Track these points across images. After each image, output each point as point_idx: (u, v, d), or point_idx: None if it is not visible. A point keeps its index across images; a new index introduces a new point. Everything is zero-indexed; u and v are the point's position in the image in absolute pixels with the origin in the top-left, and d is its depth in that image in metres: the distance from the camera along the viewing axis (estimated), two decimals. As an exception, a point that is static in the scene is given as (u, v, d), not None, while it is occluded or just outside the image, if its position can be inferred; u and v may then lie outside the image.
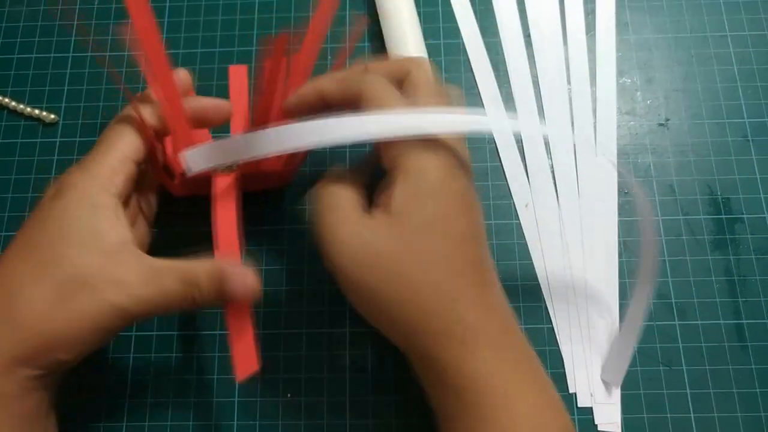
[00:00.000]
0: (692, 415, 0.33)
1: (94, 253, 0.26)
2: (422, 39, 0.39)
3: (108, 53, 0.41)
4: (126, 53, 0.41)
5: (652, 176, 0.37)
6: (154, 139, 0.30)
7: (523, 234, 0.36)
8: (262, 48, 0.41)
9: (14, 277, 0.26)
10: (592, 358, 0.34)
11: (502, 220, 0.37)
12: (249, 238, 0.33)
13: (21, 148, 0.39)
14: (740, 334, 0.34)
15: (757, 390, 0.33)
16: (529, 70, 0.40)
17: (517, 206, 0.37)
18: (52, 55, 0.41)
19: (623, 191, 0.37)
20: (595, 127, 0.38)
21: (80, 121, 0.39)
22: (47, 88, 0.40)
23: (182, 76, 0.32)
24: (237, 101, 0.37)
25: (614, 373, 0.33)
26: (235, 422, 0.33)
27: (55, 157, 0.39)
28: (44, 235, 0.27)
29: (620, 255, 0.36)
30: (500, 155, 0.38)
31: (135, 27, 0.30)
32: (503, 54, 0.40)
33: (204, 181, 0.31)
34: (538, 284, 0.35)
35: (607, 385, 0.33)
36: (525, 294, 0.35)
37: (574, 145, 0.38)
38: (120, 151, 0.29)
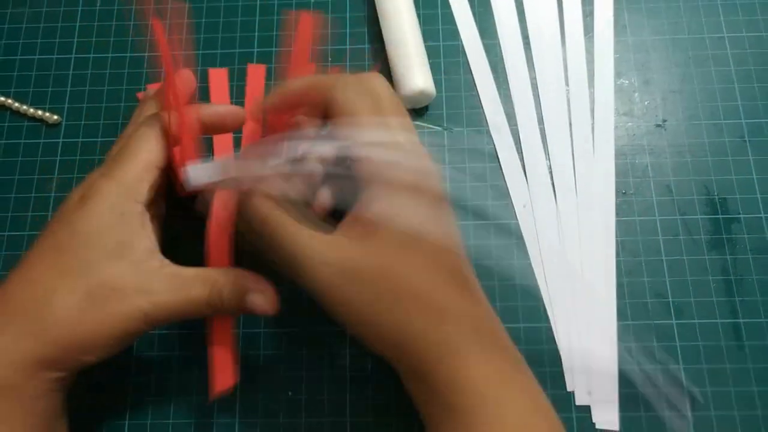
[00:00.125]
0: (689, 413, 0.33)
1: (123, 263, 0.27)
2: (422, 41, 0.39)
3: (110, 54, 0.41)
4: (128, 54, 0.41)
5: (650, 177, 0.38)
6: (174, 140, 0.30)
7: (522, 234, 0.37)
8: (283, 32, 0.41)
9: (42, 282, 0.27)
10: (590, 357, 0.34)
11: (500, 220, 0.37)
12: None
13: (24, 148, 0.39)
14: (737, 334, 0.34)
15: (754, 389, 0.33)
16: (527, 72, 0.40)
17: (515, 206, 0.37)
18: (54, 56, 0.41)
19: (621, 191, 0.37)
20: (593, 127, 0.39)
21: (83, 122, 0.40)
22: (50, 89, 0.41)
23: (186, 77, 0.32)
24: (252, 100, 0.37)
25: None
26: (237, 421, 0.34)
27: (58, 158, 0.39)
28: (72, 240, 0.27)
29: (618, 255, 0.36)
30: (499, 156, 0.38)
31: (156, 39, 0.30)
32: (502, 56, 0.41)
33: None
34: (536, 284, 0.36)
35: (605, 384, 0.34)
36: (523, 294, 0.35)
37: (572, 145, 0.38)
38: (145, 158, 0.29)
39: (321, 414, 0.34)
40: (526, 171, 0.38)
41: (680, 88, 0.40)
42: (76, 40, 0.42)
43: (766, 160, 0.38)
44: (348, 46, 0.41)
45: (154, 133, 0.30)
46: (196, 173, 0.30)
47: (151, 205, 0.29)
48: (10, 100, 0.40)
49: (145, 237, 0.28)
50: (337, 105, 0.28)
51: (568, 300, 0.35)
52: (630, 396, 0.33)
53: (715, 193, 0.37)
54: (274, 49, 0.41)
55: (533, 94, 0.40)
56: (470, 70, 0.40)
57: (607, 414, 0.33)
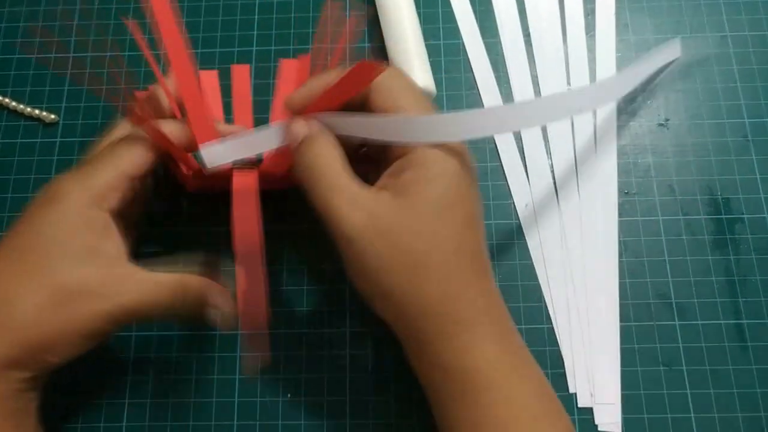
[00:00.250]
0: (692, 415, 0.33)
1: (88, 266, 0.27)
2: (422, 39, 0.39)
3: (108, 54, 0.41)
4: (126, 53, 0.41)
5: (652, 176, 0.37)
6: (168, 140, 0.30)
7: (523, 234, 0.36)
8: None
9: (5, 282, 0.27)
10: (592, 358, 0.34)
11: (502, 220, 0.37)
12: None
13: (21, 148, 0.39)
14: (740, 334, 0.34)
15: (758, 390, 0.33)
16: (529, 71, 0.40)
17: (517, 206, 0.37)
18: (52, 55, 0.41)
19: (623, 191, 0.37)
20: (595, 127, 0.39)
21: (80, 121, 0.39)
22: (47, 88, 0.40)
23: (154, 93, 0.33)
24: (239, 100, 0.37)
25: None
26: (235, 422, 0.33)
27: (55, 157, 0.39)
28: (37, 241, 0.27)
29: (620, 255, 0.36)
30: (500, 155, 0.38)
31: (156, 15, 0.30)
32: (503, 54, 0.40)
33: (220, 175, 0.31)
34: (538, 284, 0.35)
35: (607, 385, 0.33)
36: (525, 294, 0.35)
37: (575, 145, 0.38)
38: (120, 167, 0.29)
39: (320, 416, 0.33)
40: (528, 171, 0.38)
41: (683, 87, 0.39)
42: (73, 39, 0.41)
43: (769, 159, 0.37)
44: (348, 45, 0.41)
45: (135, 141, 0.30)
46: (211, 154, 0.30)
47: (121, 212, 0.29)
48: (7, 99, 0.40)
49: (110, 243, 0.28)
50: (380, 95, 0.28)
51: (571, 301, 0.35)
52: (632, 398, 0.33)
53: (719, 193, 0.37)
54: (272, 48, 0.41)
55: (535, 94, 0.39)
56: (471, 68, 0.40)
57: (609, 416, 0.33)
